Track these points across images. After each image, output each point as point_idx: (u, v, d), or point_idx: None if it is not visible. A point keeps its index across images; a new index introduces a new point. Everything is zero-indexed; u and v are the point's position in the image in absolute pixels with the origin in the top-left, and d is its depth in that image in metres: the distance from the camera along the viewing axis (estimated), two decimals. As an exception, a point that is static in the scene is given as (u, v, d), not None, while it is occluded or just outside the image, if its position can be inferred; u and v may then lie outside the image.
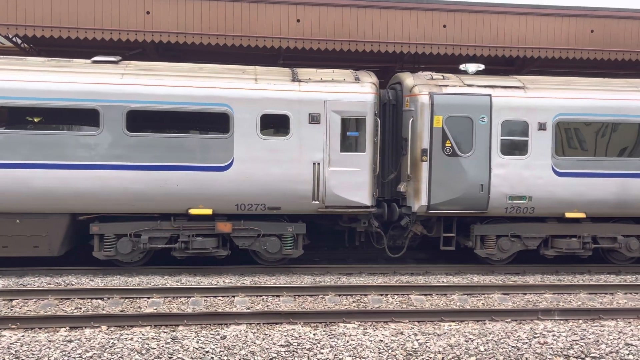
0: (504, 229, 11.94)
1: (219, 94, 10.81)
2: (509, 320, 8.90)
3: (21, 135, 10.40)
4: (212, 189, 10.83)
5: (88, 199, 10.63)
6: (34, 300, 9.47)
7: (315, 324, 8.52)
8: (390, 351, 7.45)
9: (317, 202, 11.18)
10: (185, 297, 9.79)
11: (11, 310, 9.01)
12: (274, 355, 7.24)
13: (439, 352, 7.43)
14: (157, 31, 13.04)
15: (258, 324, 8.51)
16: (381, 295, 10.10)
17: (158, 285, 10.43)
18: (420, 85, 11.54)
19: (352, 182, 11.18)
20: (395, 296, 10.09)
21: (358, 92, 11.22)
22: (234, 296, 9.85)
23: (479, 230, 11.95)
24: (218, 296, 9.85)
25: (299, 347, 7.51)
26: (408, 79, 11.87)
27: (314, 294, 10.06)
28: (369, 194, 11.30)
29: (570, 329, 8.45)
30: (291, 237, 11.51)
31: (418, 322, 8.74)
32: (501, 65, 15.78)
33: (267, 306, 9.43)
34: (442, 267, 12.30)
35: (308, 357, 7.23)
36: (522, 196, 11.51)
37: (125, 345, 7.41)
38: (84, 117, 10.63)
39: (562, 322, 8.89)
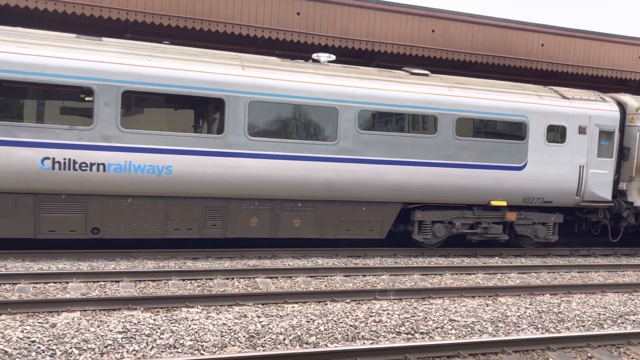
0: None
1: (519, 107, 13.41)
2: (348, 300, 9.30)
3: (379, 136, 12.31)
4: (509, 185, 13.39)
5: (422, 190, 12.71)
6: None
7: (156, 310, 8.23)
8: (232, 334, 7.42)
9: (578, 197, 14.07)
10: (10, 283, 8.95)
11: None
12: (110, 342, 6.88)
13: (281, 333, 7.55)
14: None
15: (94, 310, 8.02)
16: (227, 279, 10.04)
17: (-22, 271, 9.43)
18: None
19: (602, 181, 14.18)
20: (242, 280, 10.09)
21: (609, 109, 14.37)
22: (67, 282, 9.19)
23: None
24: (50, 282, 9.14)
25: (138, 332, 7.21)
26: (631, 100, 14.87)
27: (156, 279, 9.73)
28: (611, 191, 14.36)
29: (403, 308, 9.04)
30: (551, 225, 14.26)
31: (262, 304, 8.81)
32: (351, 57, 16.34)
33: (104, 292, 8.93)
34: (288, 250, 12.53)
35: (147, 342, 6.96)
36: None
37: None
38: (424, 122, 12.68)
39: (396, 301, 9.47)
